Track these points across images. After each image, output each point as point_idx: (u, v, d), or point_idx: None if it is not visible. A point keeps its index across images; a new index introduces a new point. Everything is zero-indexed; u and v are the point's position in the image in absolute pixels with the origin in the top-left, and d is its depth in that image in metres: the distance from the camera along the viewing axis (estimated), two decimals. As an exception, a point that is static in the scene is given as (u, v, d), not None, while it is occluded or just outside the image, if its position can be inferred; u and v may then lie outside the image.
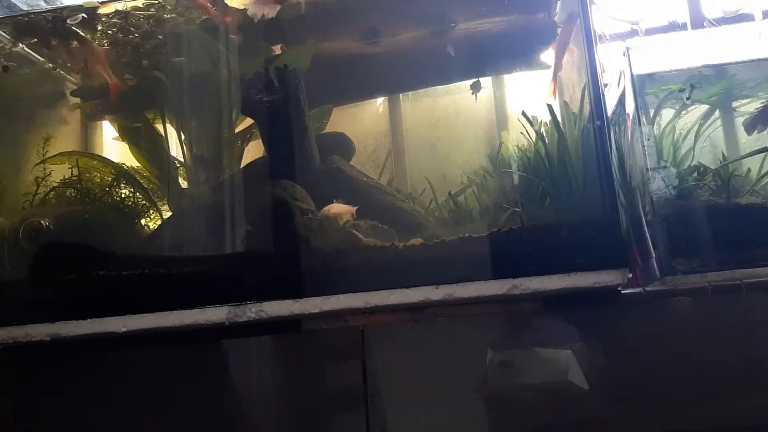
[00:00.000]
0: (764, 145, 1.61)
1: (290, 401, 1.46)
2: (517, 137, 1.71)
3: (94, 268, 1.52)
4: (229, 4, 1.81)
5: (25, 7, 1.89)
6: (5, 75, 1.85)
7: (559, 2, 1.77)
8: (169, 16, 1.80)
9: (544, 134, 1.63)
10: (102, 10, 1.83)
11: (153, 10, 1.80)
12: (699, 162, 1.62)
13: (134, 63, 1.86)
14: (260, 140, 1.80)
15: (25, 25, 1.85)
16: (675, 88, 1.67)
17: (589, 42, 1.50)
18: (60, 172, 1.81)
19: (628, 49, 1.66)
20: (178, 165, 1.84)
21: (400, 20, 1.86)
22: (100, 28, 1.83)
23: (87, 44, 1.79)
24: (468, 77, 2.00)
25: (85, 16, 1.80)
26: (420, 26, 1.86)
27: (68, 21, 1.80)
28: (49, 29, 1.83)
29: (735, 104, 1.76)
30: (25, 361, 1.54)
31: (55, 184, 1.78)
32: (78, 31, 1.82)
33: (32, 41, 1.88)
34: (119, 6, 1.81)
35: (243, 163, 1.85)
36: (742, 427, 1.34)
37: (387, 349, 1.43)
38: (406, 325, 1.44)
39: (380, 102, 2.10)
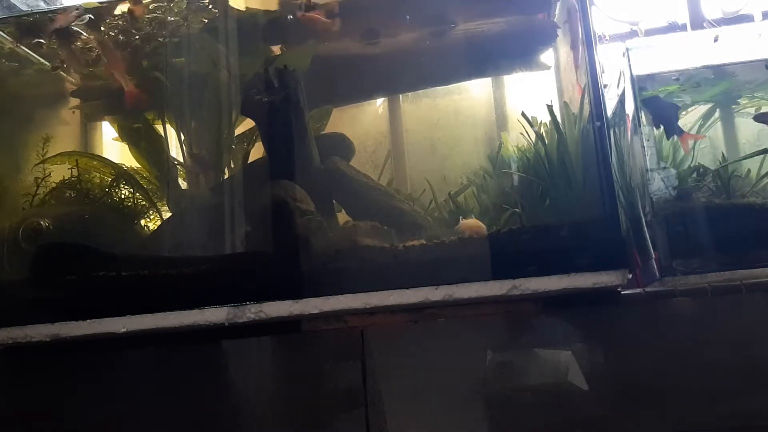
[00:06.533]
0: (764, 146, 1.61)
1: (290, 402, 1.46)
2: (517, 138, 1.71)
3: (94, 269, 1.52)
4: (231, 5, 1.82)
5: (24, 8, 1.89)
6: (5, 75, 1.85)
7: (558, 2, 1.77)
8: (173, 18, 1.80)
9: (544, 135, 1.63)
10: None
11: (159, 12, 1.80)
12: (699, 163, 1.62)
13: (136, 64, 1.86)
14: (260, 141, 1.80)
15: (28, 26, 1.85)
16: (673, 89, 1.67)
17: (588, 43, 1.50)
18: (60, 173, 1.80)
19: (627, 49, 1.66)
20: (177, 165, 1.84)
21: (400, 21, 1.86)
22: (103, 29, 1.83)
23: (106, 46, 1.77)
24: (468, 78, 2.00)
25: (92, 17, 1.80)
26: (420, 27, 1.86)
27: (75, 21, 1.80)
28: (53, 29, 1.83)
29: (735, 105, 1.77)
30: (25, 361, 1.54)
31: (55, 185, 1.78)
32: (81, 31, 1.81)
33: (33, 41, 1.88)
34: (125, 7, 1.82)
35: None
36: (742, 428, 1.33)
37: (386, 350, 1.43)
38: (406, 326, 1.44)
39: (380, 103, 2.10)
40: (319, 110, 1.93)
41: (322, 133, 1.92)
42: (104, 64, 1.82)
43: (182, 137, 1.83)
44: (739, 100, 1.75)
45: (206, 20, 1.80)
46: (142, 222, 1.83)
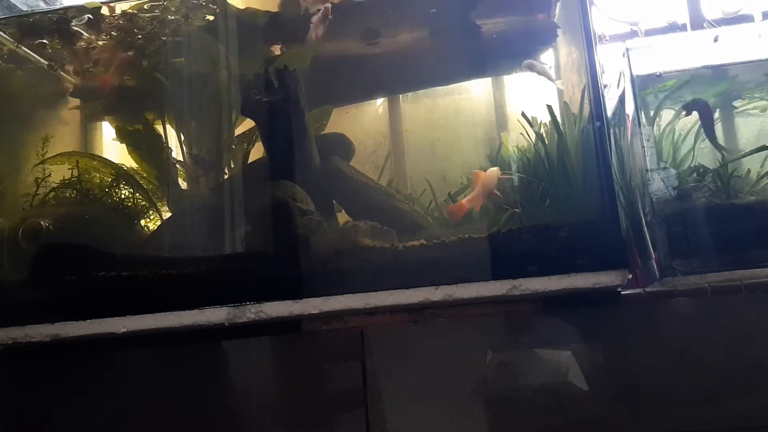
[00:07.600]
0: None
1: (290, 402, 1.46)
2: (517, 138, 1.71)
3: (94, 269, 1.52)
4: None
5: (24, 8, 1.89)
6: (5, 75, 1.85)
7: (558, 3, 1.77)
8: (173, 17, 1.80)
9: (544, 135, 1.63)
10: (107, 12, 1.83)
11: (157, 11, 1.80)
12: (699, 163, 1.62)
13: (136, 64, 1.86)
14: (260, 141, 1.80)
15: (29, 26, 1.85)
16: (671, 85, 1.67)
17: (588, 43, 1.50)
18: (60, 173, 1.81)
19: (627, 50, 1.66)
20: (177, 166, 1.84)
21: (400, 21, 1.86)
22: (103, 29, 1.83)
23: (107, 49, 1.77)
24: (468, 78, 2.00)
25: (92, 17, 1.80)
26: (420, 26, 1.86)
27: (74, 21, 1.80)
28: (54, 29, 1.83)
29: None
30: (25, 361, 1.54)
31: (55, 185, 1.78)
32: (82, 31, 1.82)
33: (34, 42, 1.88)
34: (125, 6, 1.81)
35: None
36: (742, 428, 1.33)
37: (387, 350, 1.43)
38: (406, 326, 1.44)
39: (380, 103, 2.10)
40: (319, 110, 1.93)
41: (322, 133, 1.92)
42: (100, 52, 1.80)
43: (182, 137, 1.83)
44: (735, 103, 1.75)
45: (209, 17, 1.80)
46: (142, 222, 1.83)
